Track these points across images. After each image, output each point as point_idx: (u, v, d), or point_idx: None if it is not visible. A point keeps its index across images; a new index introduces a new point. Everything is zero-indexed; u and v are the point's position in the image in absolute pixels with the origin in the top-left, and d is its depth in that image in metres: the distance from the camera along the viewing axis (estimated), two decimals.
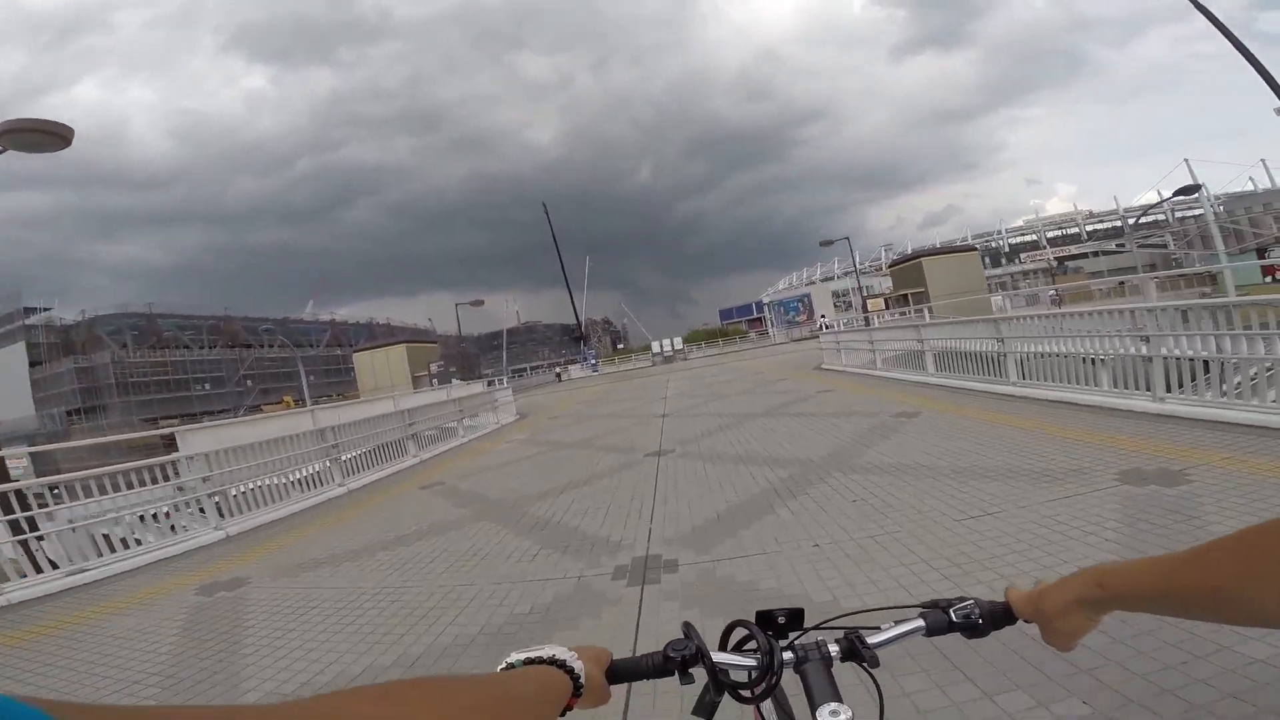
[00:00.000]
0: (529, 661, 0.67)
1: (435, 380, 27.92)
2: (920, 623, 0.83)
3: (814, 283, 76.12)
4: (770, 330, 65.33)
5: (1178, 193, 27.50)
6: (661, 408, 14.42)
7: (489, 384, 23.53)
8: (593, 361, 49.97)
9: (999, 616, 0.81)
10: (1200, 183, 27.53)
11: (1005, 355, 9.04)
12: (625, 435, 10.97)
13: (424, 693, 0.50)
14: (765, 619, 0.82)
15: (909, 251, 48.77)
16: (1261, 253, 33.21)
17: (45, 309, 60.05)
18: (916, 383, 11.53)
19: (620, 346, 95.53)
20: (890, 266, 40.48)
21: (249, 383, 67.18)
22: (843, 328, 20.00)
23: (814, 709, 0.70)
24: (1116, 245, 68.28)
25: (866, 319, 26.33)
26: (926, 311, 24.09)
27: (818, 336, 36.83)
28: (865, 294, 44.96)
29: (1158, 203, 46.37)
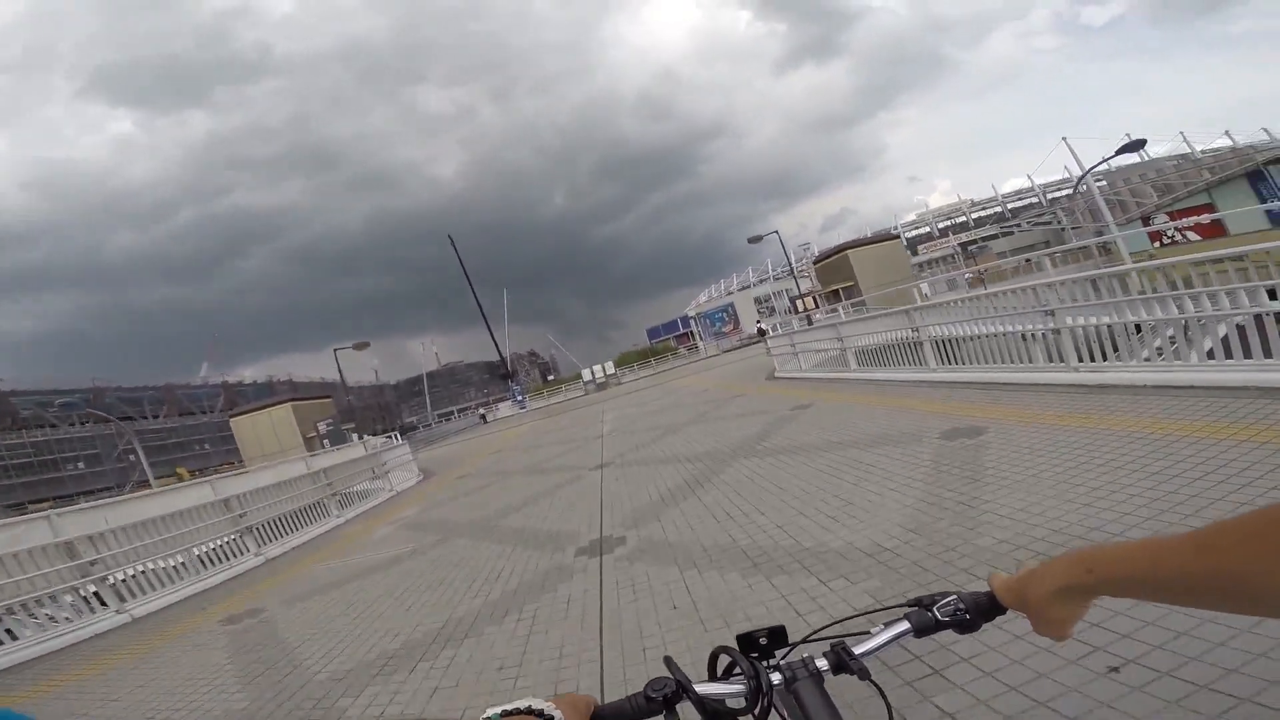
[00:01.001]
0: (506, 714, 0.64)
1: (326, 441, 23.62)
2: (906, 625, 0.80)
3: (733, 292, 75.24)
4: (699, 344, 63.38)
5: (1121, 150, 26.95)
6: (598, 452, 11.28)
7: (389, 438, 19.71)
8: (519, 398, 46.13)
9: (986, 608, 0.77)
10: (1132, 142, 26.91)
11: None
12: (551, 505, 7.69)
13: None
14: (747, 641, 0.79)
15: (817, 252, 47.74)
16: (1146, 220, 33.72)
17: None
18: (915, 381, 8.94)
19: (550, 378, 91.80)
20: (816, 263, 39.03)
21: (132, 458, 59.17)
22: (797, 328, 17.40)
23: None
24: (1028, 224, 70.82)
25: (808, 317, 24.11)
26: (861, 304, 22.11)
27: (759, 343, 34.83)
28: (792, 295, 43.42)
29: (1066, 181, 47.22)
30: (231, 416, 31.82)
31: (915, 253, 79.79)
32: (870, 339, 11.15)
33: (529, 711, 0.64)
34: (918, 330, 9.18)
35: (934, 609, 0.79)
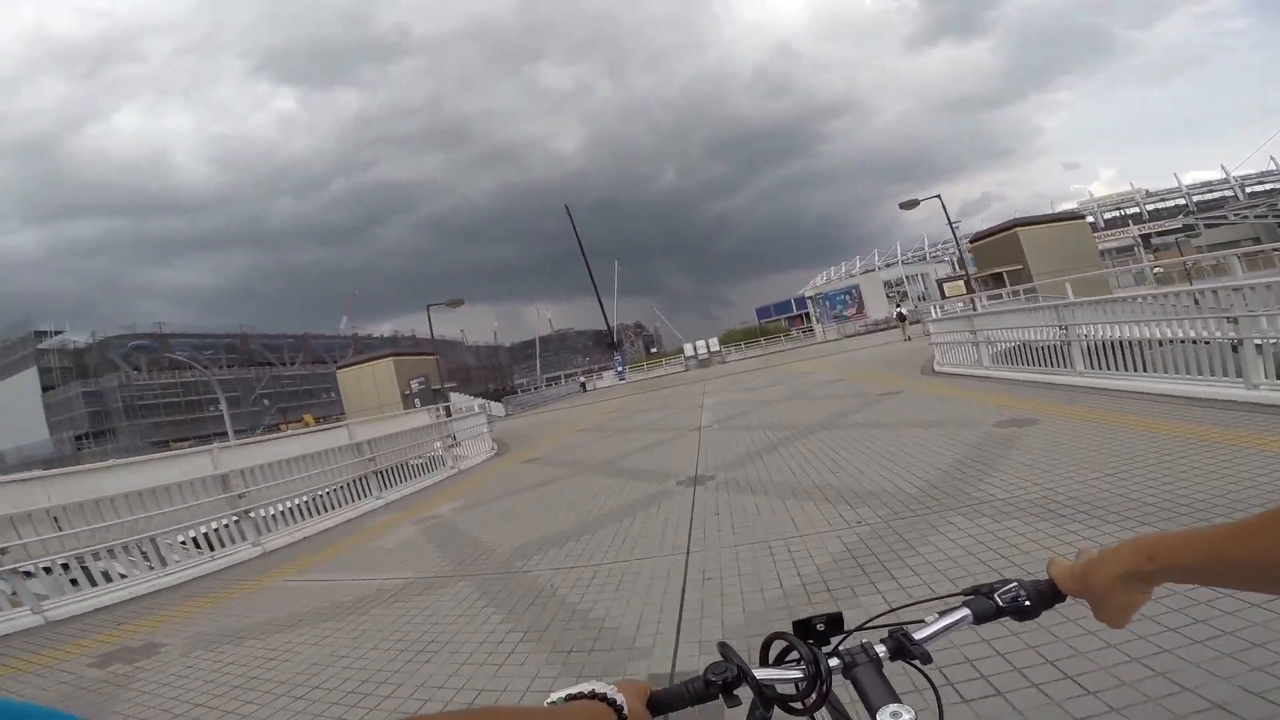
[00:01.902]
0: (571, 697, 0.65)
1: (418, 400, 22.21)
2: (966, 611, 0.79)
3: (855, 274, 68.80)
4: (816, 327, 58.26)
5: None
6: (693, 454, 8.22)
7: (480, 406, 17.73)
8: (619, 369, 43.95)
9: (1047, 595, 0.77)
10: None
11: None
12: (627, 530, 4.82)
13: None
14: (803, 628, 0.79)
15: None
16: None
17: (57, 333, 57.11)
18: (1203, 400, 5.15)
19: (653, 350, 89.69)
20: (973, 241, 33.32)
21: (266, 401, 63.33)
22: (983, 309, 13.34)
23: (873, 712, 0.66)
24: (1235, 215, 59.88)
25: (972, 302, 19.55)
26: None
27: (889, 329, 30.03)
28: (939, 278, 37.84)
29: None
30: (339, 368, 31.75)
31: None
32: (1123, 331, 7.45)
33: (593, 695, 0.65)
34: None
35: (994, 596, 0.78)
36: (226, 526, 7.49)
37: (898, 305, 34.41)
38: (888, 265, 70.33)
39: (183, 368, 58.90)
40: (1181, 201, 70.68)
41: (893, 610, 0.86)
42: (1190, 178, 73.16)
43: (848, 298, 61.71)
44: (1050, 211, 68.13)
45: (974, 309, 15.68)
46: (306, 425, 37.09)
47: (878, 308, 58.68)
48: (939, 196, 21.16)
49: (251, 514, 7.75)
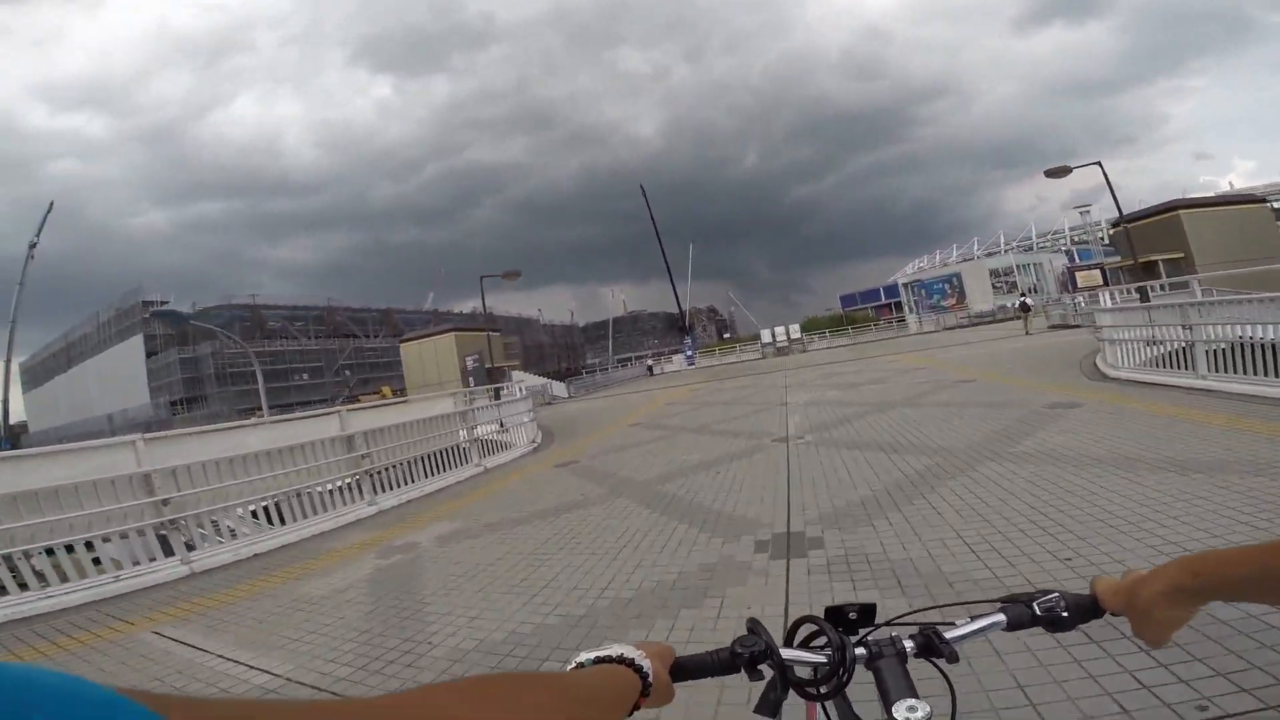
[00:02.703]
0: (598, 660, 0.65)
1: (472, 379, 20.53)
2: (1001, 617, 0.77)
3: (950, 263, 62.76)
4: (909, 317, 53.40)
5: None
6: (780, 482, 5.67)
7: (524, 390, 15.70)
8: (689, 353, 41.30)
9: (1085, 609, 0.75)
10: None
11: None
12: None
13: (504, 689, 0.50)
14: (835, 614, 0.78)
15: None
16: None
17: (163, 302, 60.13)
18: None
19: (727, 336, 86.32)
20: (1115, 226, 28.24)
21: (348, 372, 64.76)
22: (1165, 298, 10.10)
23: (889, 705, 0.65)
24: None
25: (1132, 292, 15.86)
26: None
27: (999, 321, 26.04)
28: (1072, 265, 32.96)
29: None
30: (402, 342, 30.81)
31: None
32: None
33: (620, 659, 0.65)
34: None
35: (1033, 604, 0.76)
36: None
37: (1022, 295, 29.91)
38: (989, 255, 63.77)
39: (274, 337, 61.14)
40: None
41: (928, 609, 0.84)
42: None
43: (947, 287, 56.26)
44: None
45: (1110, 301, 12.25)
46: (384, 397, 36.73)
47: (981, 299, 53.17)
48: (1099, 164, 17.26)
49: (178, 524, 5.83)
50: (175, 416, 53.06)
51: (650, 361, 46.24)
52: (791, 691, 0.72)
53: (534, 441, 11.98)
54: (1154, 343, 8.47)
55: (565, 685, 0.57)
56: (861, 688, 0.71)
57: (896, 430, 7.24)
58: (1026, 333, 23.54)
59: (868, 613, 0.78)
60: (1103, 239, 71.72)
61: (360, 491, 8.03)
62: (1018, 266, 56.53)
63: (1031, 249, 68.42)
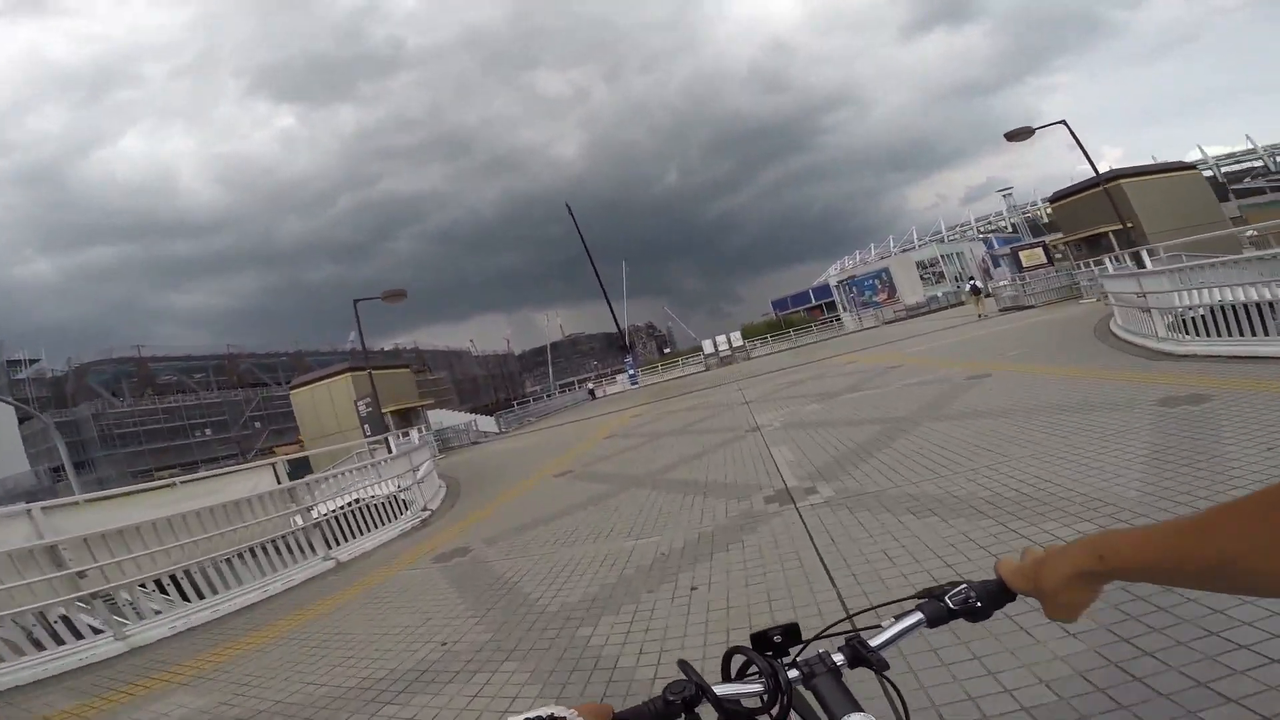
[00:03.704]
0: None
1: (367, 426, 16.95)
2: (919, 615, 0.78)
3: (869, 261, 62.79)
4: (845, 315, 52.44)
5: None
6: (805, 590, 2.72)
7: (406, 436, 12.37)
8: (631, 373, 38.46)
9: (996, 595, 0.76)
10: None
11: None
12: None
13: None
14: (761, 640, 0.77)
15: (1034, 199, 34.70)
16: None
17: (33, 361, 52.88)
18: None
19: (667, 351, 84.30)
20: (1055, 201, 27.23)
21: (257, 424, 58.64)
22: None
23: None
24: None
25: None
26: None
27: (933, 311, 24.54)
28: (1017, 246, 32.17)
29: None
30: (291, 389, 26.58)
31: None
32: None
33: (550, 719, 0.62)
34: None
35: (945, 599, 0.77)
36: None
37: (971, 279, 28.65)
38: (904, 250, 64.15)
39: (165, 392, 54.56)
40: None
41: (848, 617, 0.83)
42: (1213, 150, 66.31)
43: (877, 282, 55.91)
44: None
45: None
46: (302, 448, 32.01)
47: (911, 291, 52.90)
48: (1064, 122, 15.69)
49: None
50: (59, 484, 46.20)
51: (590, 385, 43.03)
52: None
53: (425, 509, 8.76)
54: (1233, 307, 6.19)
55: None
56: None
57: (956, 466, 4.52)
58: (980, 316, 22.14)
59: (792, 633, 0.77)
60: (1007, 228, 74.13)
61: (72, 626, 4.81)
62: (942, 256, 56.75)
63: (943, 240, 69.64)
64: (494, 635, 3.63)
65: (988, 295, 25.29)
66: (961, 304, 42.19)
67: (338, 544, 7.23)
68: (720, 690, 0.70)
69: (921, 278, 54.65)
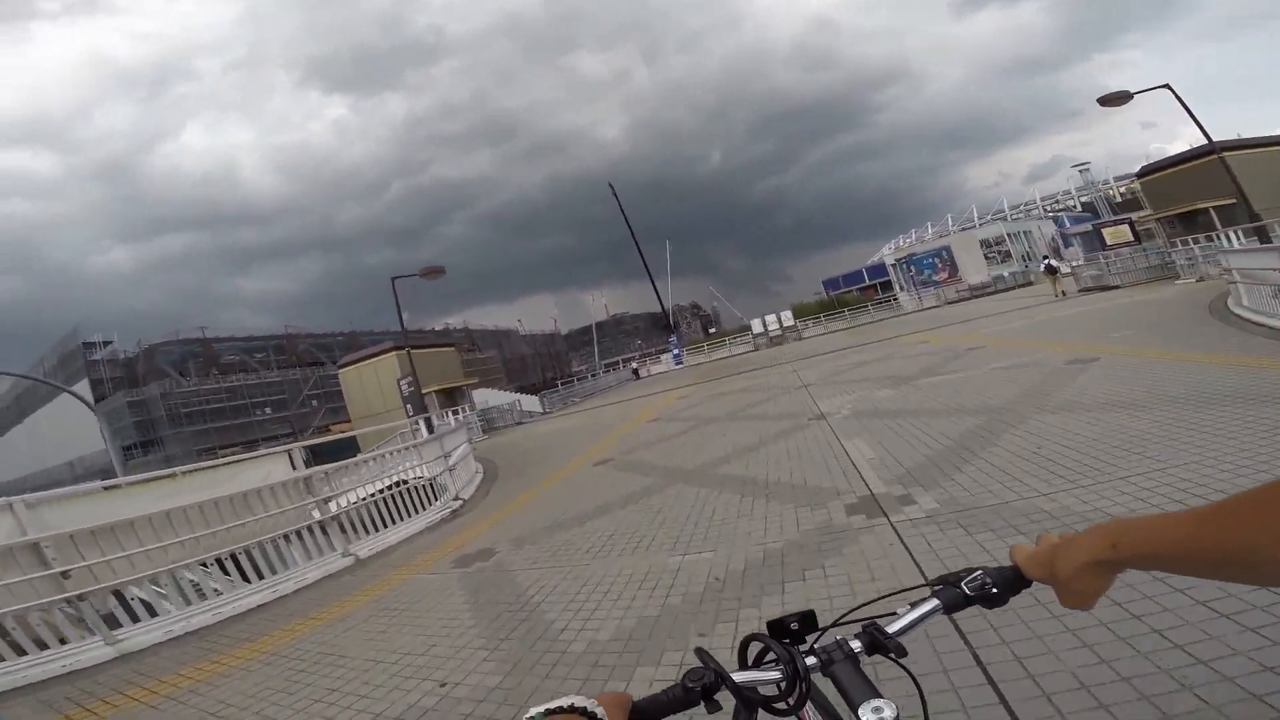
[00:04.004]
0: (550, 713, 0.62)
1: (409, 406, 16.61)
2: (936, 602, 0.77)
3: (926, 240, 59.56)
4: (901, 295, 50.04)
5: None
6: None
7: (456, 414, 11.85)
8: (676, 352, 37.47)
9: (1012, 581, 0.75)
10: None
11: None
12: None
13: None
14: (778, 628, 0.77)
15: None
16: None
17: (106, 343, 55.44)
18: None
19: (712, 331, 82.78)
20: (1144, 176, 24.73)
21: (314, 402, 60.25)
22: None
23: (854, 709, 0.64)
24: None
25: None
26: None
27: (998, 291, 22.59)
28: (1098, 222, 29.71)
29: None
30: (340, 367, 26.63)
31: None
32: None
33: (573, 710, 0.62)
34: None
35: (961, 585, 0.76)
36: None
37: (1045, 257, 26.52)
38: (962, 230, 60.64)
39: (228, 371, 56.54)
40: None
41: (864, 605, 0.83)
42: None
43: (937, 261, 53.15)
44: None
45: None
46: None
47: (975, 270, 50.05)
48: (1168, 86, 13.80)
49: None
50: (129, 461, 48.60)
51: (635, 365, 42.23)
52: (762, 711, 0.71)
53: (457, 499, 8.12)
54: None
55: None
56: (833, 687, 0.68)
57: (1097, 473, 3.47)
58: (1059, 296, 20.38)
59: (809, 620, 0.77)
60: (1075, 206, 69.14)
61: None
62: (1009, 235, 53.47)
63: (1007, 219, 65.68)
64: (502, 680, 2.84)
65: (1066, 274, 23.28)
66: (1030, 284, 39.72)
67: (359, 537, 6.65)
68: (739, 678, 0.69)
69: (986, 256, 51.73)
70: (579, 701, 0.62)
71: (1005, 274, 47.80)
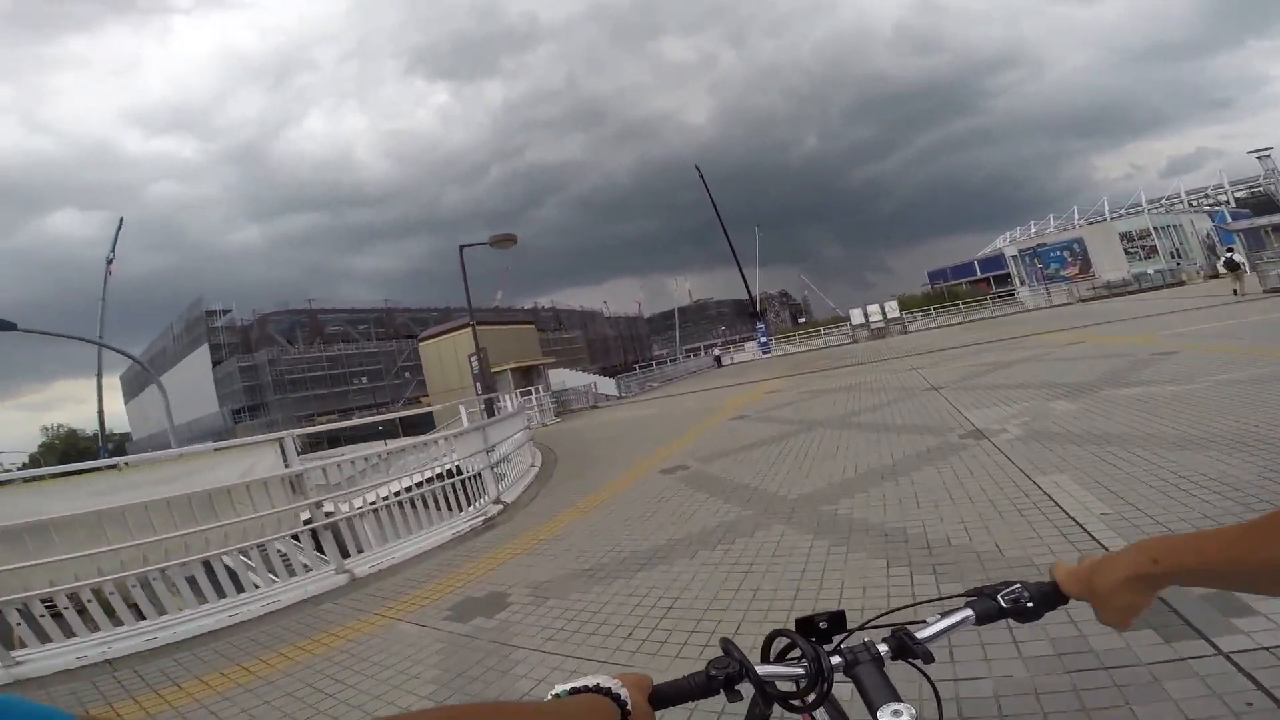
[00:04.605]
0: (576, 690, 0.63)
1: (479, 385, 15.60)
2: (969, 612, 0.76)
3: (1047, 232, 52.94)
4: (1022, 290, 44.88)
5: None
6: None
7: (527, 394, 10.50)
8: (764, 340, 35.04)
9: (1050, 597, 0.74)
10: None
11: None
12: None
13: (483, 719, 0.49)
14: (806, 625, 0.76)
15: None
16: None
17: (225, 311, 59.26)
18: None
19: (801, 320, 78.86)
20: None
21: (407, 374, 62.13)
22: None
23: (874, 711, 0.64)
24: None
25: None
26: None
27: (1236, 278, 18.88)
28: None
29: None
30: (420, 341, 26.32)
31: None
32: None
33: (597, 689, 0.63)
34: None
35: (998, 597, 0.75)
36: None
37: (1229, 250, 22.33)
38: (1091, 222, 53.61)
39: (331, 341, 59.22)
40: None
41: (895, 610, 0.81)
42: None
43: (1066, 254, 47.31)
44: None
45: None
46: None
47: (1112, 266, 44.11)
48: None
49: None
50: (238, 425, 51.86)
51: (718, 351, 40.07)
52: (777, 706, 0.71)
53: (498, 502, 6.65)
54: None
55: (543, 716, 0.57)
56: (849, 691, 0.68)
57: None
58: (1238, 294, 16.92)
59: (838, 620, 0.76)
60: (1228, 201, 59.72)
61: None
62: (1156, 229, 46.68)
63: (1144, 212, 57.66)
64: None
65: (1247, 271, 19.34)
66: (1181, 284, 34.56)
67: (369, 548, 5.30)
68: (762, 671, 0.69)
69: (1126, 251, 45.49)
70: (604, 681, 0.62)
71: (1150, 271, 41.90)
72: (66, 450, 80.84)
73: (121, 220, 61.19)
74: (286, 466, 4.87)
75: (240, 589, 4.46)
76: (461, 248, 13.36)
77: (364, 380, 59.27)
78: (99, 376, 63.32)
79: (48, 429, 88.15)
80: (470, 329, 22.24)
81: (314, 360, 56.32)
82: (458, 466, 6.48)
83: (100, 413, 63.12)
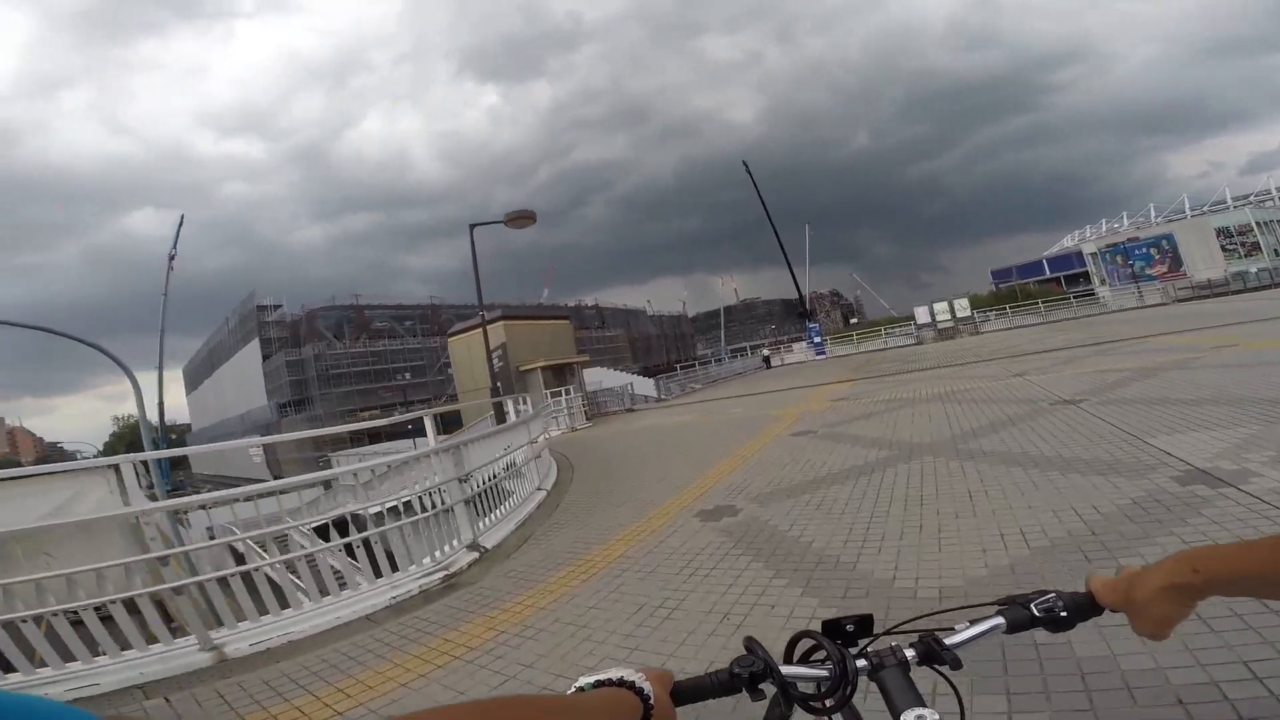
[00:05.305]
0: (599, 684, 0.63)
1: (499, 385, 14.04)
2: (1000, 620, 0.74)
3: (1119, 229, 48.11)
4: (1102, 290, 40.94)
5: None
6: None
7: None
8: (817, 340, 32.60)
9: (1084, 607, 0.72)
10: None
11: None
12: None
13: (507, 713, 0.50)
14: (832, 628, 0.75)
15: None
16: None
17: (276, 306, 60.03)
18: None
19: (853, 320, 75.35)
20: None
21: (449, 371, 61.75)
22: None
23: (896, 715, 0.63)
24: None
25: None
26: None
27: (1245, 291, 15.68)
28: None
29: None
30: (449, 336, 25.11)
31: None
32: None
33: (621, 682, 0.63)
34: None
35: (1031, 606, 0.74)
36: None
37: None
38: (1169, 220, 48.57)
39: (377, 337, 59.32)
40: None
41: (924, 616, 0.79)
42: None
43: (1153, 251, 43.05)
44: None
45: None
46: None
47: (1206, 265, 39.83)
48: None
49: None
50: (284, 419, 52.24)
51: (766, 351, 37.71)
52: (798, 708, 0.70)
53: (477, 547, 4.90)
54: None
55: (568, 708, 0.56)
56: (874, 698, 0.68)
57: None
58: None
59: (865, 624, 0.75)
60: None
61: None
62: (1258, 224, 41.90)
63: (1229, 208, 52.32)
64: None
65: None
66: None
67: (246, 617, 3.62)
68: (786, 671, 0.69)
69: (1224, 248, 41.07)
70: (627, 675, 0.62)
71: (1252, 270, 37.64)
72: (133, 440, 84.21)
73: (182, 218, 62.77)
74: (126, 505, 3.21)
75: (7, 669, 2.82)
76: (472, 227, 11.81)
77: (407, 375, 59.19)
78: (160, 369, 65.23)
79: (119, 419, 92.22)
80: (500, 323, 20.81)
81: (359, 355, 56.45)
82: (420, 499, 4.75)
83: (160, 403, 64.91)
